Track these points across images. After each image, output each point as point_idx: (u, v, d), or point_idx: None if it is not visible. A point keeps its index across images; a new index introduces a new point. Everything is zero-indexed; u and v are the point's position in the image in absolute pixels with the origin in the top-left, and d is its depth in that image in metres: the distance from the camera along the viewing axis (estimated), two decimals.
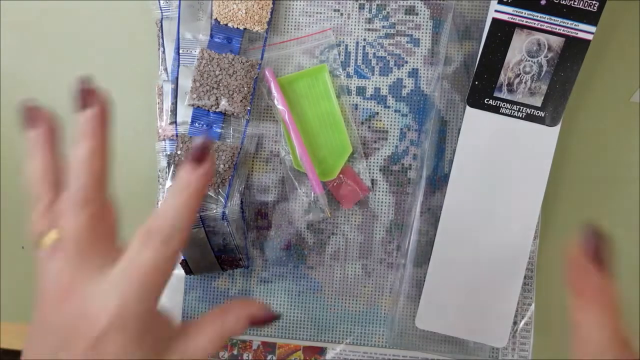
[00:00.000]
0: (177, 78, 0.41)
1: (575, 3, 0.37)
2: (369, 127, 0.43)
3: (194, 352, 0.27)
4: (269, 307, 0.30)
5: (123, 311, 0.25)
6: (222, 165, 0.40)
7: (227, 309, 0.29)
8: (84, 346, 0.25)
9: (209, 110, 0.41)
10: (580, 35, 0.37)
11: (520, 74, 0.38)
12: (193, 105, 0.41)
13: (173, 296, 0.44)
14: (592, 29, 0.37)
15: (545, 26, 0.37)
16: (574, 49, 0.37)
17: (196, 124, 0.41)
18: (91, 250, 0.26)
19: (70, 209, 0.26)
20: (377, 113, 0.43)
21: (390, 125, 0.43)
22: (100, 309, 0.25)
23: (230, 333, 0.28)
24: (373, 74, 0.43)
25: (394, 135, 0.43)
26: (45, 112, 0.28)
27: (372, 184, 0.43)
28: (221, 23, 0.41)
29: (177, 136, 0.41)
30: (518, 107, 0.38)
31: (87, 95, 0.27)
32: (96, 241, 0.27)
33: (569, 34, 0.37)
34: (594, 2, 0.36)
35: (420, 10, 0.42)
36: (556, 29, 0.37)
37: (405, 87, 0.43)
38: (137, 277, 0.26)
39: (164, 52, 0.42)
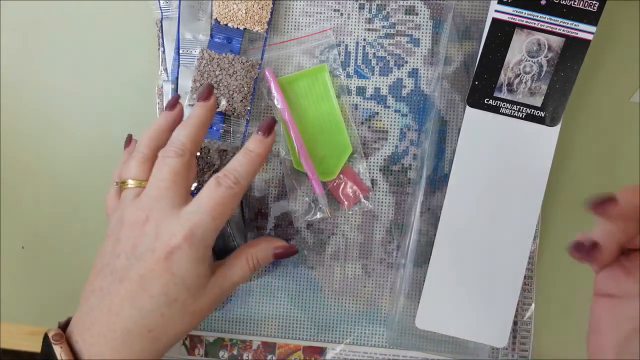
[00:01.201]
0: (177, 78, 0.41)
1: (575, 3, 0.37)
2: (369, 127, 0.43)
3: (232, 279, 0.35)
4: (292, 244, 0.38)
5: (195, 231, 0.32)
6: (223, 166, 0.40)
7: (257, 242, 0.37)
8: (156, 258, 0.32)
9: None
10: (580, 35, 0.37)
11: (520, 74, 0.38)
12: (193, 105, 0.40)
13: None
14: (592, 29, 0.37)
15: (545, 26, 0.37)
16: (574, 49, 0.37)
17: None
18: (173, 191, 0.33)
19: (172, 154, 0.34)
20: (377, 113, 0.43)
21: (390, 125, 0.43)
22: (177, 231, 0.32)
23: (262, 261, 0.36)
24: (373, 74, 0.43)
25: (394, 135, 0.43)
26: (180, 103, 0.38)
27: (372, 184, 0.43)
28: (221, 23, 0.41)
29: None
30: (518, 107, 0.38)
31: (209, 93, 0.36)
32: (179, 185, 0.33)
33: (569, 34, 0.37)
34: (594, 2, 0.36)
35: (420, 10, 0.42)
36: (556, 29, 0.37)
37: (405, 87, 0.43)
38: (210, 207, 0.32)
39: (164, 52, 0.42)
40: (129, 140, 0.40)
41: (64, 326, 0.33)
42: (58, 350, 0.31)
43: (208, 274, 0.34)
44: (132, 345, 0.32)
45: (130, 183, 0.35)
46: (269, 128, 0.35)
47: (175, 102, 0.37)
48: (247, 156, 0.35)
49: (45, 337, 0.32)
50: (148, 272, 0.32)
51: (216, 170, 0.40)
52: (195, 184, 0.40)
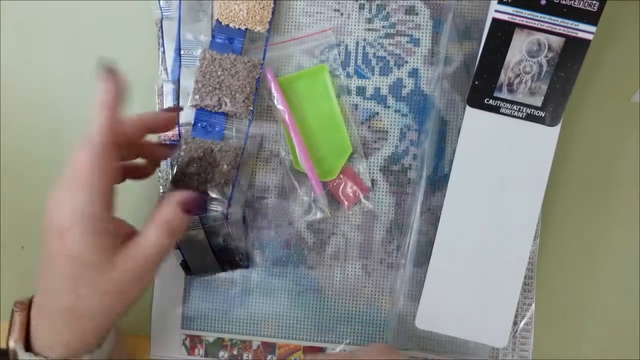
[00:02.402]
0: (178, 79, 0.41)
1: (576, 3, 0.37)
2: (369, 127, 0.43)
3: (145, 247, 0.33)
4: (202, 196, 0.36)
5: (75, 212, 0.31)
6: (225, 166, 0.40)
7: (160, 203, 0.35)
8: (52, 239, 0.31)
9: (211, 111, 0.41)
10: (580, 35, 0.37)
11: (520, 73, 0.38)
12: (196, 106, 0.41)
13: (173, 296, 0.44)
14: (592, 29, 0.37)
15: (545, 26, 0.37)
16: (574, 49, 0.37)
17: (199, 124, 0.41)
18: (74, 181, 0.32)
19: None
20: (377, 113, 0.43)
21: (390, 125, 0.43)
22: (61, 213, 0.31)
23: (170, 222, 0.33)
24: (373, 74, 0.43)
25: (394, 135, 0.43)
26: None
27: (372, 184, 0.43)
28: (222, 24, 0.41)
29: (179, 137, 0.41)
30: (518, 107, 0.38)
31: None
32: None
33: (569, 34, 0.37)
34: (594, 2, 0.37)
35: (420, 10, 0.42)
36: (556, 29, 0.37)
37: (405, 87, 0.43)
38: (82, 183, 0.31)
39: (164, 52, 0.42)
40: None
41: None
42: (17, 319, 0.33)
43: (112, 248, 0.32)
44: (60, 326, 0.32)
45: None
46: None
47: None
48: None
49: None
50: (49, 253, 0.32)
51: (220, 171, 0.40)
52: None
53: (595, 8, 0.37)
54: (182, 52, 0.41)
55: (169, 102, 0.42)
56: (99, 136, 0.32)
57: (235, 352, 0.43)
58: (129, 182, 0.45)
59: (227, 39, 0.41)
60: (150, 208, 0.43)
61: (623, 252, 0.43)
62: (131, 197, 0.46)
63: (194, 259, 0.41)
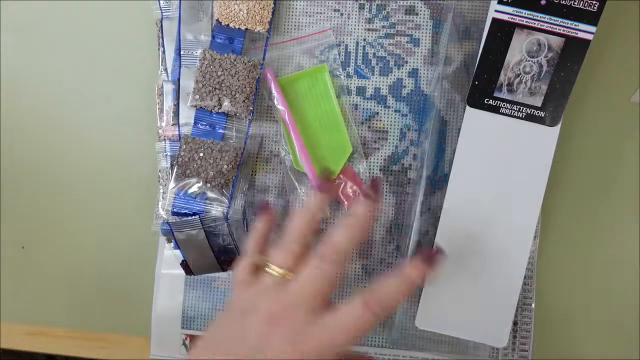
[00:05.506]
0: (178, 79, 0.41)
1: (575, 3, 0.37)
2: (369, 127, 0.43)
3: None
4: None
5: (331, 348, 0.30)
6: (225, 166, 0.40)
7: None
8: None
9: (211, 111, 0.41)
10: (580, 35, 0.37)
11: (520, 74, 0.38)
12: (196, 106, 0.41)
13: (173, 296, 0.44)
14: (592, 29, 0.37)
15: (545, 26, 0.37)
16: (574, 49, 0.37)
17: (199, 125, 0.41)
18: (318, 298, 0.32)
19: (328, 260, 0.32)
20: (377, 113, 0.43)
21: (390, 125, 0.43)
22: (312, 340, 0.30)
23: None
24: (373, 74, 0.43)
25: (394, 135, 0.43)
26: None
27: None
28: (222, 24, 0.41)
29: (180, 137, 0.41)
30: (518, 107, 0.38)
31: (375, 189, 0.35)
32: (325, 293, 0.32)
33: (569, 34, 0.37)
34: (594, 2, 0.37)
35: (420, 10, 0.42)
36: (556, 29, 0.37)
37: (405, 87, 0.43)
38: (348, 330, 0.31)
39: (164, 52, 0.42)
40: (265, 206, 0.38)
41: None
42: None
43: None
44: None
45: (274, 270, 0.33)
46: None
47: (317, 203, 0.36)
48: (401, 284, 0.33)
49: None
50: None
51: (220, 171, 0.40)
52: (197, 184, 0.40)
53: (595, 8, 0.37)
54: (182, 52, 0.41)
55: (169, 102, 0.42)
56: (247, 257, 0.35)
57: None
58: (127, 181, 0.45)
59: (227, 39, 0.41)
60: (150, 208, 0.43)
61: (623, 252, 0.43)
62: (131, 196, 0.46)
63: (194, 259, 0.41)
